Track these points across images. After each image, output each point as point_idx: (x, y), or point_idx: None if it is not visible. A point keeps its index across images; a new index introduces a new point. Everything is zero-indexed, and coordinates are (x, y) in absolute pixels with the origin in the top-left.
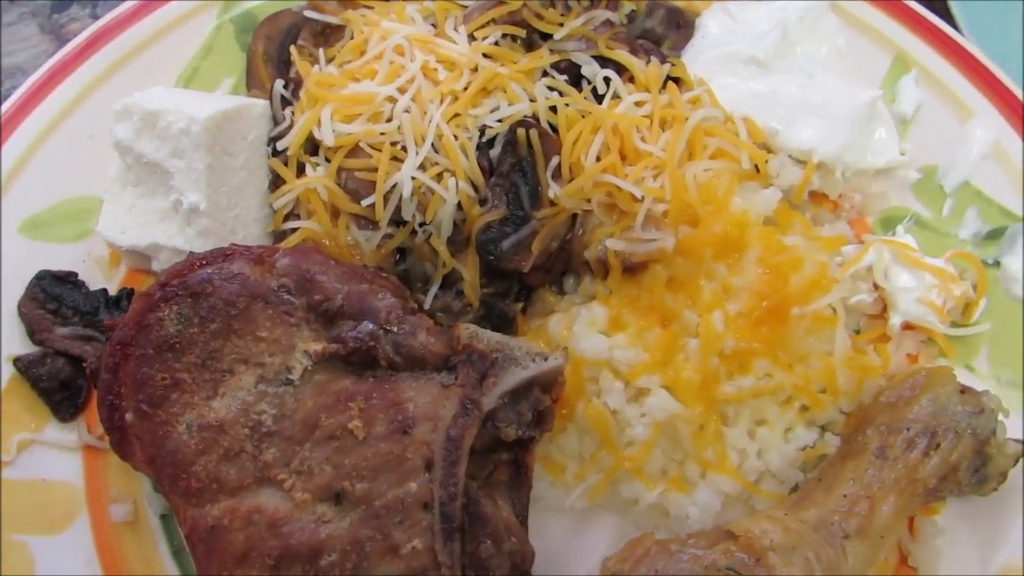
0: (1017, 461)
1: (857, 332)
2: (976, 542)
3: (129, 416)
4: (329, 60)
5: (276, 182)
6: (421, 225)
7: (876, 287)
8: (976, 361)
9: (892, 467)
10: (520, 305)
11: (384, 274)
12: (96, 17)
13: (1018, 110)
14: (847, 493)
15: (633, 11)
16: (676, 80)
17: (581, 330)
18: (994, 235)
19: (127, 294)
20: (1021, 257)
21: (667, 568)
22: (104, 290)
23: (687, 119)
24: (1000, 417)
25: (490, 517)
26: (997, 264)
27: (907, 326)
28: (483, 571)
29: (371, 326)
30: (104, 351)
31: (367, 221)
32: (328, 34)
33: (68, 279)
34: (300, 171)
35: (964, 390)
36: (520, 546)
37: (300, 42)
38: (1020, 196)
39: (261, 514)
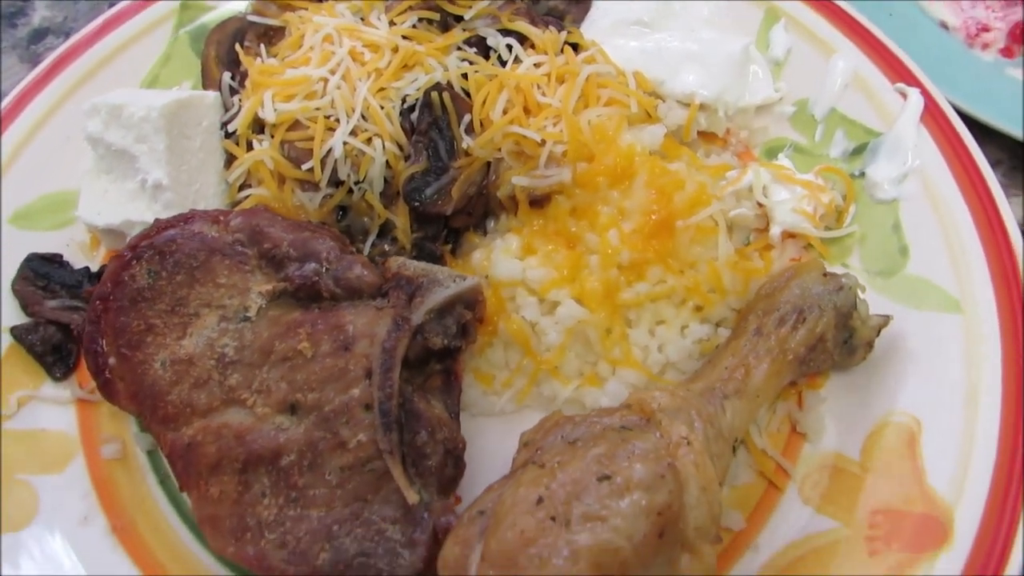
0: (879, 331)
1: (747, 244)
2: (855, 405)
3: (112, 360)
4: (272, 56)
5: (230, 161)
6: (356, 184)
7: (759, 205)
8: (850, 259)
9: (766, 341)
10: (449, 246)
11: (325, 226)
12: None
13: (872, 42)
14: (727, 365)
15: None
16: (574, 46)
17: (498, 257)
18: (858, 151)
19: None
20: (881, 165)
21: (571, 432)
22: (86, 268)
23: (580, 74)
24: (859, 294)
25: (423, 413)
26: (863, 175)
27: (788, 235)
28: (420, 456)
29: (313, 265)
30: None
31: (309, 184)
32: (271, 35)
33: (54, 260)
34: (249, 149)
35: (827, 274)
36: (452, 435)
37: (246, 43)
38: (878, 115)
39: (229, 428)
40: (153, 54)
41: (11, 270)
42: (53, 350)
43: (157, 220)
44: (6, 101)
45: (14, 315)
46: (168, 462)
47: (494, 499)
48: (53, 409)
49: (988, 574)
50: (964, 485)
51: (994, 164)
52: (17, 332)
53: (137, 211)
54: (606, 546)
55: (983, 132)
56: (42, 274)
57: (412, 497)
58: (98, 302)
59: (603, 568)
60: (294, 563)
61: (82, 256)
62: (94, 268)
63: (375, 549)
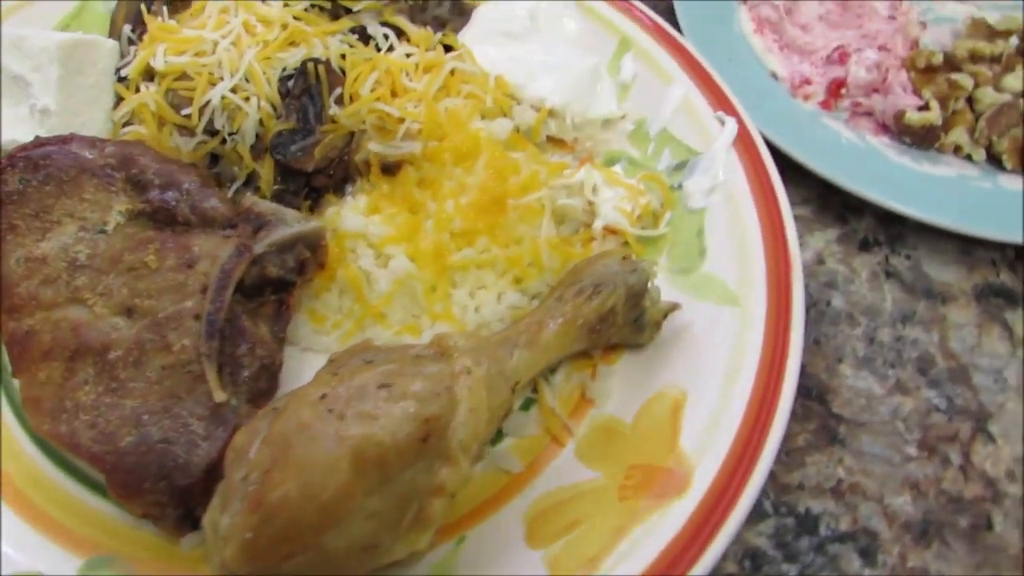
0: (666, 315)
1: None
2: (639, 379)
3: None
4: (173, 20)
5: (119, 103)
6: (230, 135)
7: (589, 202)
8: (660, 258)
9: (563, 306)
10: (309, 203)
11: (194, 165)
12: None
13: (703, 76)
14: (527, 322)
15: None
16: (448, 48)
17: (346, 213)
18: (680, 166)
19: None
20: (697, 179)
21: (372, 356)
22: None
23: (444, 65)
24: (652, 280)
25: (248, 330)
26: (681, 187)
27: (610, 231)
28: (237, 367)
29: (174, 192)
30: None
31: (186, 130)
32: (178, 6)
33: None
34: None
35: (625, 258)
36: (271, 353)
37: (153, 8)
38: (699, 137)
39: (66, 322)
40: (64, 8)
41: None
42: None
43: (38, 137)
44: None
45: None
46: (6, 348)
47: (287, 398)
48: None
49: (712, 522)
50: (707, 447)
51: (804, 201)
52: None
53: (22, 134)
54: (369, 437)
55: (799, 172)
56: None
57: (219, 395)
58: None
59: (362, 454)
60: (99, 442)
61: None
62: None
63: (178, 439)
